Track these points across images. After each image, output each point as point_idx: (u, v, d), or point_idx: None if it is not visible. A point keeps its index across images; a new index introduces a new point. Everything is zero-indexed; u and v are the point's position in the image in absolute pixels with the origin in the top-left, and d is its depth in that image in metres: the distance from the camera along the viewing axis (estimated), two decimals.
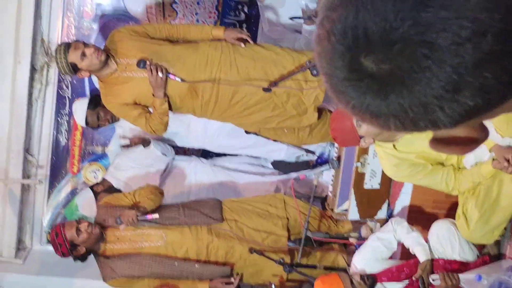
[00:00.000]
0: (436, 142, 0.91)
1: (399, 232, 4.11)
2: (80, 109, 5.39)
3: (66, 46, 4.52)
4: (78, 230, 4.52)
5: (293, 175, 5.46)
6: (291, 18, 5.20)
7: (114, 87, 4.60)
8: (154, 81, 4.45)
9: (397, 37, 0.76)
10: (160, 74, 4.43)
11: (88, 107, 5.34)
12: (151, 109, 4.69)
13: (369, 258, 4.15)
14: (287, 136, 5.04)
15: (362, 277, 3.98)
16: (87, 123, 5.40)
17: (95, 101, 5.31)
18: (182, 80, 4.52)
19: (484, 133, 0.90)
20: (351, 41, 0.79)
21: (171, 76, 4.50)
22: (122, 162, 5.56)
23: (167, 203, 4.95)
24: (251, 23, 5.67)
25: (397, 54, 0.76)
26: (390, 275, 4.05)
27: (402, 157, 3.64)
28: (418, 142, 3.45)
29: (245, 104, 4.67)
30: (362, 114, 0.84)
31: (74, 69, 4.47)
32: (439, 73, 0.76)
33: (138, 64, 4.47)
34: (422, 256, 3.96)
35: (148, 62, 4.46)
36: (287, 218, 4.94)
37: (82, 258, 4.66)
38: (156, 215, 4.60)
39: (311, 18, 4.98)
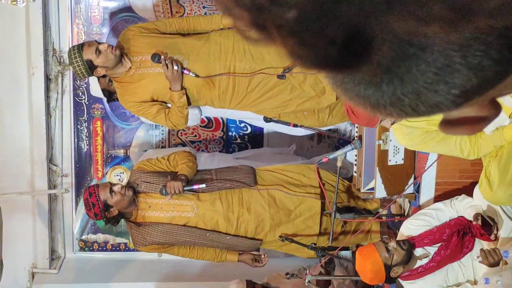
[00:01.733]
0: (445, 124, 0.90)
1: (458, 206, 4.07)
2: (92, 79, 5.19)
3: (80, 46, 4.52)
4: (111, 191, 4.53)
5: (316, 158, 5.41)
6: None
7: (131, 86, 4.61)
8: (171, 75, 4.45)
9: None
10: (175, 67, 4.43)
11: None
12: (169, 105, 4.68)
13: (418, 224, 4.10)
14: (307, 119, 5.00)
15: (398, 242, 3.90)
16: (103, 92, 5.17)
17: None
18: (197, 75, 4.51)
19: (495, 110, 0.88)
20: None
21: (186, 72, 4.49)
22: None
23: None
24: None
25: (381, 44, 0.75)
26: (432, 237, 3.99)
27: (413, 126, 3.61)
28: None
29: (263, 89, 4.65)
30: (363, 105, 0.83)
31: (90, 67, 4.46)
32: (426, 58, 0.75)
33: (153, 58, 4.46)
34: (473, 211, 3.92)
35: (162, 56, 4.45)
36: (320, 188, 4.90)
37: (114, 220, 4.66)
38: (203, 185, 4.62)
39: None
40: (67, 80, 5.70)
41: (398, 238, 4.13)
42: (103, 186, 4.62)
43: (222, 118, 5.85)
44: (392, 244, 3.87)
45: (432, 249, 4.00)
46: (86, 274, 5.95)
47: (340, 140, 5.77)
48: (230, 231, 4.74)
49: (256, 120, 5.43)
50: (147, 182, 4.67)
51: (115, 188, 4.54)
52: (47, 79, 5.62)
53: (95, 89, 5.24)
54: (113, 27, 5.64)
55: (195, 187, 4.60)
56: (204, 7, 5.61)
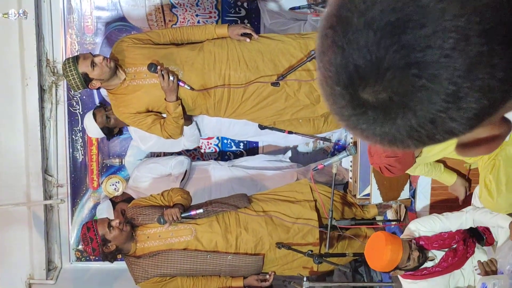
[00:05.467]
0: (461, 148, 0.92)
1: (477, 216, 4.04)
2: (88, 122, 5.34)
3: (75, 58, 4.50)
4: (110, 226, 4.50)
5: (312, 165, 5.42)
6: (291, 9, 5.15)
7: (125, 97, 4.59)
8: (166, 86, 4.44)
9: (385, 65, 0.78)
10: (171, 78, 4.42)
11: (94, 116, 5.28)
12: (164, 115, 4.68)
13: (426, 224, 4.09)
14: (303, 127, 5.00)
15: (419, 256, 3.91)
16: (102, 130, 5.30)
17: (99, 108, 5.30)
18: (192, 88, 4.50)
19: (506, 126, 0.91)
20: (346, 80, 0.81)
21: (181, 84, 4.49)
22: (140, 174, 5.55)
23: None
24: (252, 18, 5.64)
25: (390, 80, 0.78)
26: (441, 242, 4.00)
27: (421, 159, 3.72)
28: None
29: (258, 98, 4.65)
30: (381, 143, 0.86)
31: (86, 79, 4.45)
32: (436, 88, 0.78)
33: (149, 68, 4.44)
34: (504, 221, 3.90)
35: (159, 67, 4.44)
36: (315, 201, 4.90)
37: (111, 256, 4.61)
38: (200, 210, 4.57)
39: (311, 7, 4.93)
40: (61, 90, 5.70)
41: (404, 234, 4.13)
42: (101, 221, 4.60)
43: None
44: (415, 255, 3.88)
45: (439, 253, 4.02)
46: (83, 284, 5.94)
47: (335, 146, 5.78)
48: (230, 251, 4.71)
49: (252, 137, 5.46)
50: (144, 214, 4.65)
51: (113, 223, 4.52)
52: (41, 89, 5.62)
53: (93, 130, 5.30)
54: (106, 36, 5.64)
55: (193, 213, 4.55)
56: (197, 15, 5.61)
